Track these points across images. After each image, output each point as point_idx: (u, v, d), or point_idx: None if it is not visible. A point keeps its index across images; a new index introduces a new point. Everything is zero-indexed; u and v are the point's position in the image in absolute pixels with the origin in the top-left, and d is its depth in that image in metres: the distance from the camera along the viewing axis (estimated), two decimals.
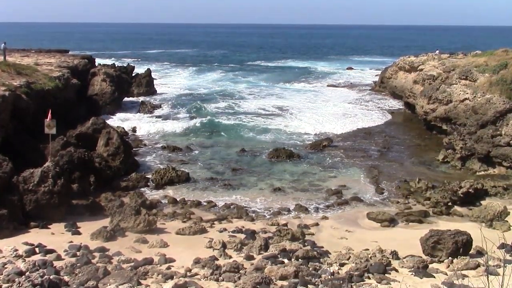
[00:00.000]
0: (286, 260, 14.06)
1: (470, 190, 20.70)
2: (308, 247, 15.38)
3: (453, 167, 26.25)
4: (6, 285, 10.55)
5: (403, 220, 19.01)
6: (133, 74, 50.49)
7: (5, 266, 12.44)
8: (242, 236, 16.75)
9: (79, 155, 21.47)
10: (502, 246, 13.00)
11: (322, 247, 15.89)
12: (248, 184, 23.36)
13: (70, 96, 33.20)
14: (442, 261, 13.87)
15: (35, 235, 16.01)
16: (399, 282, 11.49)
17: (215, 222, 18.45)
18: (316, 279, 12.10)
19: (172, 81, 61.23)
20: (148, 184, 23.02)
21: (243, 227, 17.82)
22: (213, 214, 19.59)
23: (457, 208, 20.21)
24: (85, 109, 34.99)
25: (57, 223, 17.25)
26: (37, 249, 14.37)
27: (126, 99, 43.97)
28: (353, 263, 13.80)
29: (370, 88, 56.52)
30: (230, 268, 12.83)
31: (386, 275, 12.54)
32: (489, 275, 5.41)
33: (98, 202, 19.72)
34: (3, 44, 35.76)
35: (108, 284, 11.01)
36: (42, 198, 17.54)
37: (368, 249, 15.20)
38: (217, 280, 12.16)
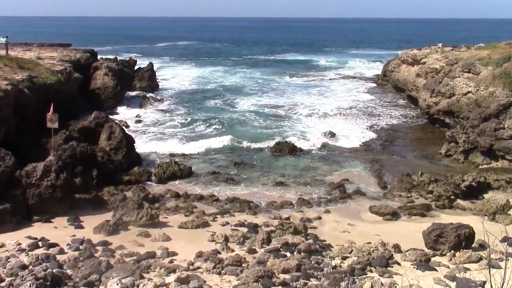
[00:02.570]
0: (288, 254, 14.09)
1: (473, 183, 20.66)
2: (311, 241, 15.39)
3: (455, 160, 26.18)
4: (9, 278, 10.60)
5: (406, 213, 18.99)
6: (135, 68, 50.49)
7: (9, 260, 12.50)
8: (245, 229, 16.76)
9: (82, 149, 21.49)
10: (505, 239, 12.98)
11: (325, 240, 15.89)
12: (250, 178, 23.36)
13: (72, 90, 33.22)
14: (445, 255, 13.87)
15: (38, 229, 16.06)
16: (401, 275, 11.49)
17: (218, 216, 18.46)
18: (319, 273, 12.12)
19: (174, 75, 61.16)
20: (151, 178, 23.05)
21: (246, 220, 17.84)
22: (216, 208, 19.61)
23: (459, 201, 20.17)
24: (87, 103, 35.05)
25: (60, 217, 17.29)
26: (40, 243, 14.40)
27: (128, 93, 44.01)
28: (355, 256, 13.81)
29: (373, 81, 56.39)
30: (232, 261, 12.85)
31: (388, 268, 12.56)
32: (491, 268, 5.40)
33: (100, 196, 19.75)
34: (5, 38, 35.84)
35: (111, 278, 11.04)
36: (45, 192, 17.58)
37: (370, 243, 15.21)
38: (219, 273, 12.19)
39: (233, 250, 14.67)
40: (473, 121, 27.66)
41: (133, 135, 27.58)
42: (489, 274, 4.86)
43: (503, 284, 4.74)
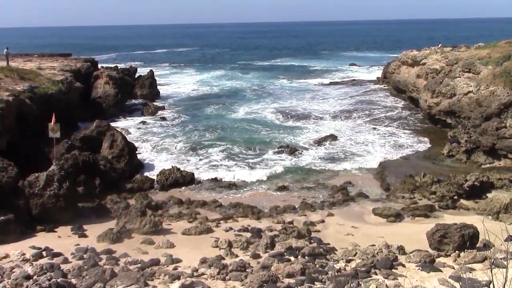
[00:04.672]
0: (292, 258, 14.05)
1: (476, 183, 20.62)
2: (314, 244, 15.38)
3: (458, 160, 26.14)
4: None
5: (409, 215, 18.97)
6: (136, 76, 50.62)
7: (13, 270, 12.50)
8: (248, 234, 16.76)
9: (84, 158, 21.56)
10: (509, 239, 12.93)
11: (329, 243, 15.88)
12: (253, 183, 23.37)
13: (73, 100, 33.33)
14: (449, 255, 13.81)
15: (42, 239, 16.09)
16: (406, 277, 11.45)
17: (221, 222, 18.47)
18: (323, 276, 12.07)
19: (174, 81, 61.47)
20: (153, 185, 23.08)
21: (249, 225, 17.84)
22: (219, 213, 19.61)
23: (463, 201, 20.14)
24: (89, 112, 35.14)
25: (64, 226, 17.34)
26: (44, 253, 14.41)
27: (129, 101, 44.12)
28: (359, 259, 13.76)
29: (373, 83, 56.37)
30: (236, 267, 12.82)
31: (393, 270, 12.49)
32: (494, 268, 5.40)
33: (104, 205, 19.78)
34: (5, 50, 35.97)
35: (115, 286, 11.04)
36: (48, 201, 17.62)
37: (374, 245, 15.18)
38: (224, 279, 12.16)
39: (237, 256, 14.65)
40: (475, 120, 27.62)
41: (135, 143, 27.66)
42: (491, 274, 4.86)
43: (505, 283, 4.73)
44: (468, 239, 13.98)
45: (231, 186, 22.92)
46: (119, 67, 51.41)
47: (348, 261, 13.77)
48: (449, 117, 31.27)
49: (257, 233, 16.79)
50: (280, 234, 16.62)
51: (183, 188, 22.88)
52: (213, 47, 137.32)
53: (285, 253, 14.49)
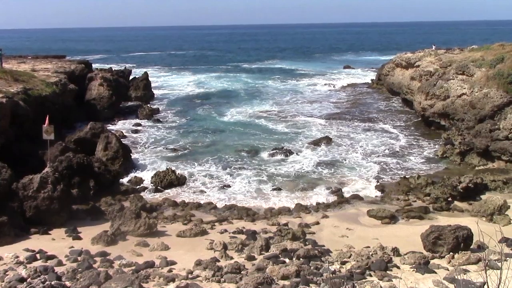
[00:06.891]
0: (287, 260, 14.06)
1: (470, 185, 20.70)
2: (309, 246, 15.38)
3: (452, 162, 26.26)
4: None
5: (404, 216, 19.02)
6: (130, 78, 50.47)
7: (7, 273, 12.43)
8: (243, 236, 16.75)
9: (78, 160, 21.46)
10: (503, 240, 13.00)
11: (323, 245, 15.90)
12: (248, 185, 23.34)
13: (68, 102, 33.22)
14: (443, 257, 13.87)
15: (36, 241, 16.01)
16: (401, 278, 11.48)
17: (216, 224, 18.45)
18: (318, 278, 12.08)
19: (169, 83, 61.34)
20: (148, 187, 23.01)
21: (244, 227, 17.83)
22: (214, 215, 19.59)
23: (457, 203, 20.22)
24: (83, 114, 35.03)
25: (58, 229, 17.26)
26: (38, 255, 14.34)
27: (124, 103, 43.98)
28: (354, 261, 13.79)
29: (367, 86, 56.54)
30: (231, 269, 12.82)
31: (387, 272, 12.53)
32: (488, 269, 5.43)
33: (98, 207, 19.72)
34: None
35: None
36: (42, 204, 17.53)
37: (369, 247, 15.22)
38: (218, 281, 12.15)
39: (232, 258, 14.64)
40: (468, 122, 27.76)
41: (129, 145, 27.59)
42: (486, 275, 4.88)
43: (499, 284, 4.76)
44: (462, 241, 14.05)
45: (226, 187, 22.90)
46: (113, 69, 51.26)
47: (343, 263, 13.80)
48: (443, 119, 31.42)
49: (252, 235, 16.79)
50: (275, 236, 16.63)
51: (177, 189, 22.84)
52: (207, 49, 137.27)
53: (280, 255, 14.50)
